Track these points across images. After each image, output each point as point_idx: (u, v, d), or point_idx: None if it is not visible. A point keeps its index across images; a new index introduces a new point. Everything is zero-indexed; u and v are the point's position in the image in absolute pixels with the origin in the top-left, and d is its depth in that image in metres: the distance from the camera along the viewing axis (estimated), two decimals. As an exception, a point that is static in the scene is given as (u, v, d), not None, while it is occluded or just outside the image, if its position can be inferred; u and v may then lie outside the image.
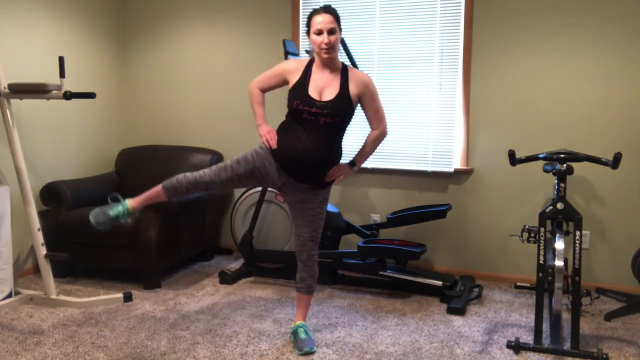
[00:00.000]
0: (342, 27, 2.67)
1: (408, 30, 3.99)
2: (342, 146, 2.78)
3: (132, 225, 3.64)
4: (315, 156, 2.63)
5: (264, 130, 2.75)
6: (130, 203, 2.87)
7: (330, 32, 2.58)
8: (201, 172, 2.76)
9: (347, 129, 2.76)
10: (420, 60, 3.98)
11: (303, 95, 2.62)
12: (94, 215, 2.81)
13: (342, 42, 3.71)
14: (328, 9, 2.62)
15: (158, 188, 2.82)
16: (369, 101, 2.73)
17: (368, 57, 4.10)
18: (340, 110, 2.63)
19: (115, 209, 2.84)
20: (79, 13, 4.32)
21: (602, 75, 3.62)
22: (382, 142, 2.85)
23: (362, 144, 2.83)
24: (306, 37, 2.70)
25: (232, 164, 2.73)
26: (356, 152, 2.84)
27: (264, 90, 2.81)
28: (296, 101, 2.62)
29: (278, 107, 4.20)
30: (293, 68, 2.72)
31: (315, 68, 2.69)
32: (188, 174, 2.78)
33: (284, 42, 3.56)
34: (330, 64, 2.67)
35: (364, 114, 2.79)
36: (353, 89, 2.67)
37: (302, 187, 2.73)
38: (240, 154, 2.77)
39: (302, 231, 2.79)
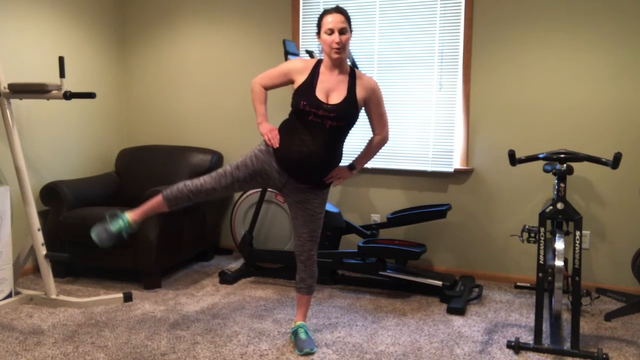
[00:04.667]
0: (352, 28, 2.67)
1: (408, 30, 3.99)
2: (343, 149, 2.77)
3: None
4: (319, 159, 2.62)
5: (265, 128, 2.72)
6: (130, 216, 2.85)
7: (342, 31, 2.57)
8: (201, 179, 2.74)
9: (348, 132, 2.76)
10: (420, 61, 3.98)
11: (310, 97, 2.60)
12: (96, 233, 2.79)
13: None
14: (339, 9, 2.61)
15: (158, 198, 2.80)
16: (375, 106, 2.72)
17: (368, 57, 4.10)
18: (346, 114, 2.61)
19: (116, 224, 2.82)
20: (79, 13, 4.32)
21: (602, 76, 3.62)
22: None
23: (364, 148, 2.82)
24: (311, 38, 2.69)
25: (232, 170, 2.71)
26: (356, 156, 2.84)
27: (267, 88, 2.77)
28: (303, 102, 2.59)
29: (280, 106, 4.21)
30: (300, 68, 2.68)
31: (323, 69, 2.66)
32: (188, 182, 2.76)
33: (284, 42, 3.56)
34: (339, 65, 2.65)
35: (367, 118, 2.77)
36: (360, 93, 2.66)
37: (302, 187, 2.72)
38: (240, 158, 2.75)
39: (301, 231, 2.78)
